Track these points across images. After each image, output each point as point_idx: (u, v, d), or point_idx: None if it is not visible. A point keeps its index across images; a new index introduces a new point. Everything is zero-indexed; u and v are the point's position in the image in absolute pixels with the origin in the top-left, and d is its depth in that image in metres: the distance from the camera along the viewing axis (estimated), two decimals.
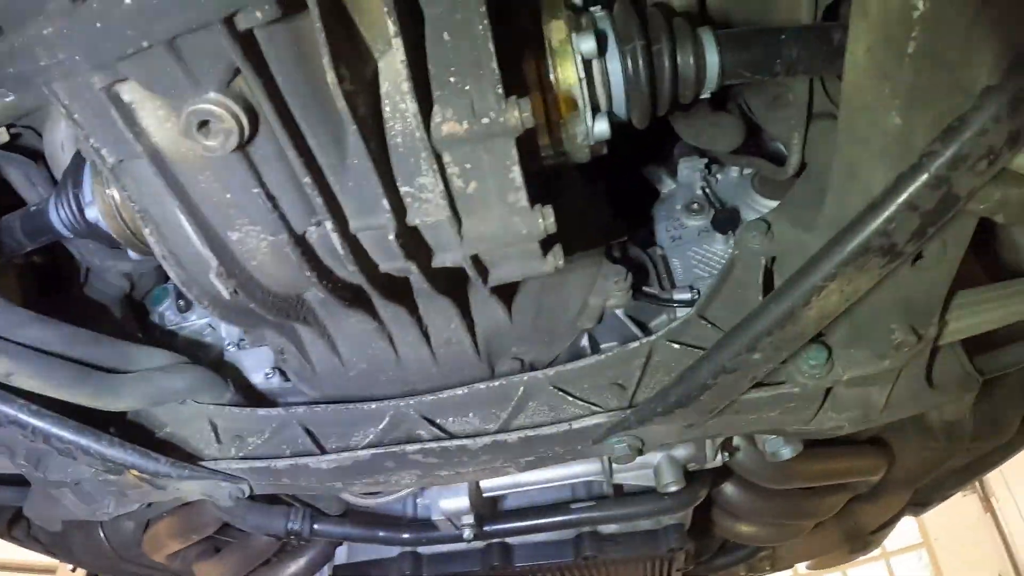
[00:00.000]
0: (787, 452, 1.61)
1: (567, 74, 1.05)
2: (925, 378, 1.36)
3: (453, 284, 1.23)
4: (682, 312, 1.44)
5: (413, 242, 1.04)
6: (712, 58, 1.13)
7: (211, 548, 2.36)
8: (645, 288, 1.56)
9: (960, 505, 10.37)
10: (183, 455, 1.40)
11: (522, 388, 1.31)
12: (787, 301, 1.03)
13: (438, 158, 0.95)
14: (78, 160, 1.29)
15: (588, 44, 1.03)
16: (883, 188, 0.90)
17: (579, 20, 1.08)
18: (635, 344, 1.32)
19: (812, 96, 1.33)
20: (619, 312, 1.52)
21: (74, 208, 1.26)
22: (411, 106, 0.90)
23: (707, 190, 1.71)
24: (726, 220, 1.62)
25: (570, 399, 1.30)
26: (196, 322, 1.71)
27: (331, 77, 0.85)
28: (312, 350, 1.38)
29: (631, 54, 1.08)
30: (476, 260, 1.08)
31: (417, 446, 1.25)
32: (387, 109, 0.94)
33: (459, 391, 1.31)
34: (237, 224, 1.05)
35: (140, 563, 2.33)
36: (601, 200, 1.60)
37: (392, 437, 1.31)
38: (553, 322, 1.46)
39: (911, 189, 0.87)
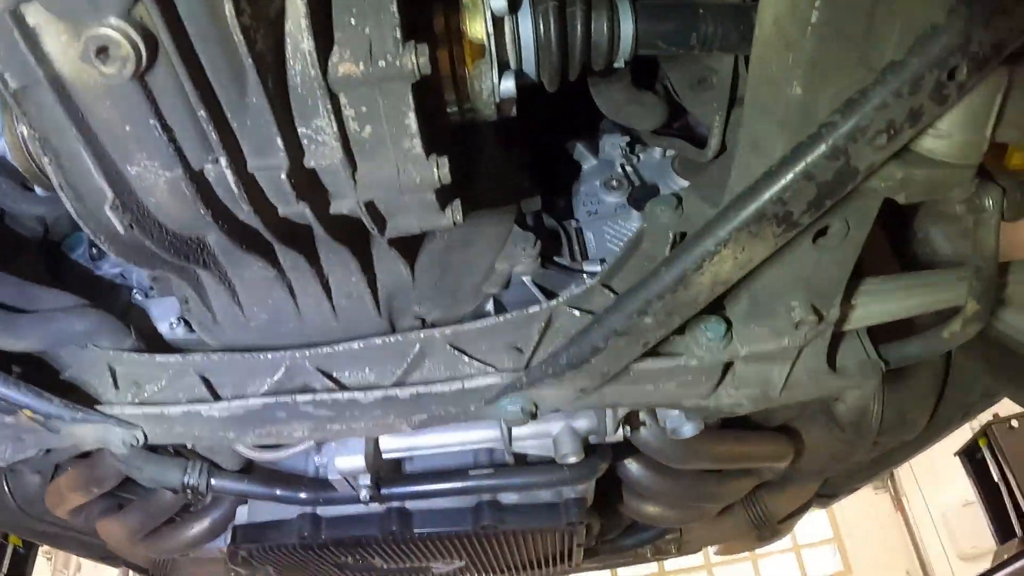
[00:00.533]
0: (688, 430, 1.65)
1: (476, 28, 1.06)
2: (827, 361, 1.38)
3: (355, 236, 1.23)
4: (560, 297, 1.43)
5: (309, 185, 1.05)
6: (627, 26, 1.15)
7: (114, 505, 2.33)
8: (556, 258, 1.58)
9: (872, 502, 10.75)
10: (83, 398, 1.38)
11: (418, 345, 1.31)
12: (680, 265, 1.06)
13: (334, 100, 0.95)
14: None
15: (499, 1, 1.03)
16: (782, 156, 0.92)
17: None
18: (535, 308, 1.33)
19: (736, 80, 1.35)
20: (526, 279, 1.53)
21: None
22: (309, 44, 0.90)
23: (627, 168, 1.73)
24: (643, 198, 1.64)
25: (466, 359, 1.32)
26: (108, 270, 1.68)
27: (229, 8, 0.84)
28: (214, 298, 1.37)
29: (543, 14, 1.09)
30: (372, 207, 1.08)
31: (309, 396, 1.25)
32: (289, 48, 0.94)
33: (355, 344, 1.31)
34: (136, 158, 1.04)
35: (45, 520, 2.29)
36: (517, 166, 1.61)
37: (286, 388, 1.30)
38: (458, 284, 1.47)
39: (808, 159, 0.89)
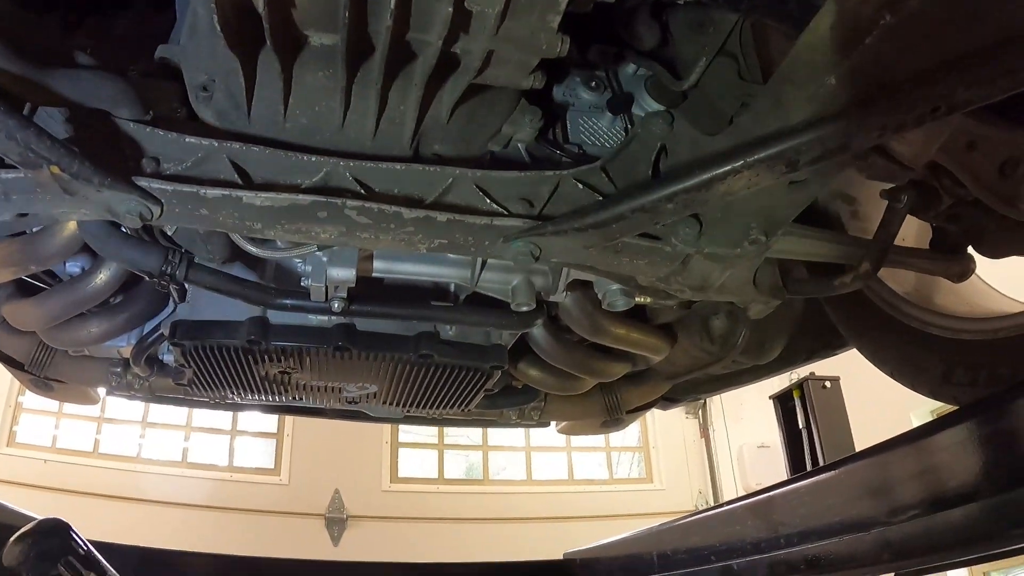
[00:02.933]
0: (621, 304, 1.91)
1: None
2: (751, 276, 1.77)
3: (432, 70, 1.35)
4: (562, 170, 1.65)
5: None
6: None
7: (21, 290, 2.33)
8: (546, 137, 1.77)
9: (681, 425, 11.92)
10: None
11: (451, 179, 1.48)
12: (711, 171, 1.33)
13: None
14: None
15: None
16: (804, 121, 1.23)
17: None
18: (549, 173, 1.57)
19: (730, 36, 1.64)
20: (521, 145, 1.71)
21: None
22: None
23: (608, 72, 1.90)
24: (620, 104, 1.85)
25: (488, 200, 1.49)
26: None
27: None
28: (261, 91, 1.44)
29: None
30: (489, 55, 1.23)
31: (358, 203, 1.38)
32: None
33: (396, 166, 1.45)
34: None
35: None
36: None
37: (327, 190, 1.42)
38: (473, 134, 1.64)
39: (827, 129, 1.20)
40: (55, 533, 2.09)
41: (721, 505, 2.97)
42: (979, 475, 1.72)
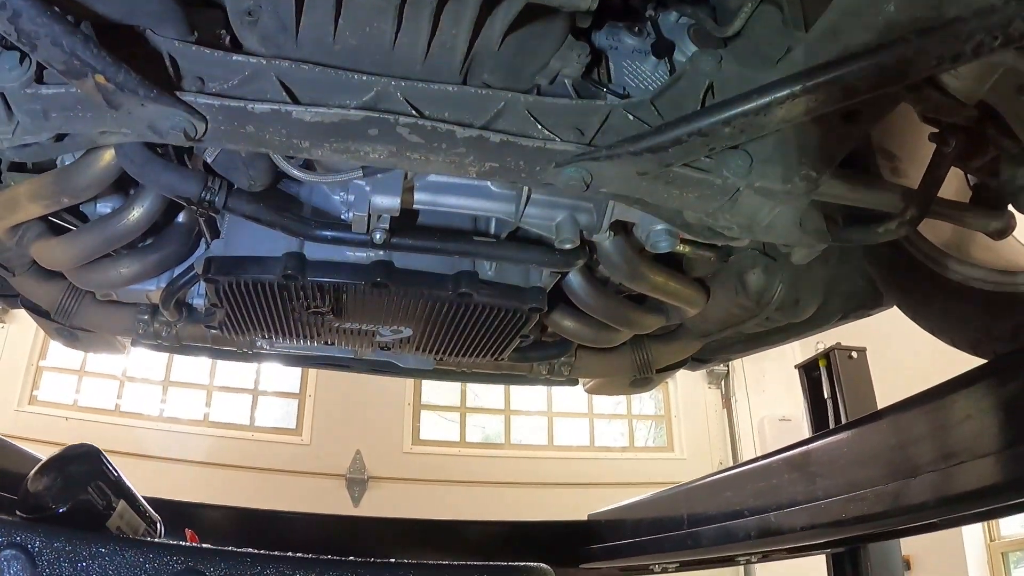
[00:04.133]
0: (665, 245, 1.89)
1: None
2: (798, 218, 1.73)
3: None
4: (612, 101, 1.64)
5: None
6: None
7: (51, 229, 2.32)
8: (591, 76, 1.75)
9: (704, 395, 11.94)
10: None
11: (503, 103, 1.47)
12: (772, 94, 1.32)
13: None
14: None
15: None
16: (862, 48, 1.25)
17: None
18: (600, 103, 1.56)
19: None
20: (567, 80, 1.69)
21: None
22: None
23: (652, 19, 1.86)
24: (663, 48, 1.82)
25: (539, 126, 1.47)
26: None
27: None
28: (310, 11, 1.42)
29: None
30: None
31: (410, 120, 1.36)
32: None
33: (449, 87, 1.45)
34: None
35: None
36: None
37: (379, 108, 1.39)
38: (522, 65, 1.62)
39: (886, 56, 1.22)
40: (84, 458, 2.08)
41: (751, 461, 2.96)
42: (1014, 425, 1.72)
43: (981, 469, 1.80)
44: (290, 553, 1.42)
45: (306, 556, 1.42)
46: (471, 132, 1.40)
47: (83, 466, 2.07)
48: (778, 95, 1.31)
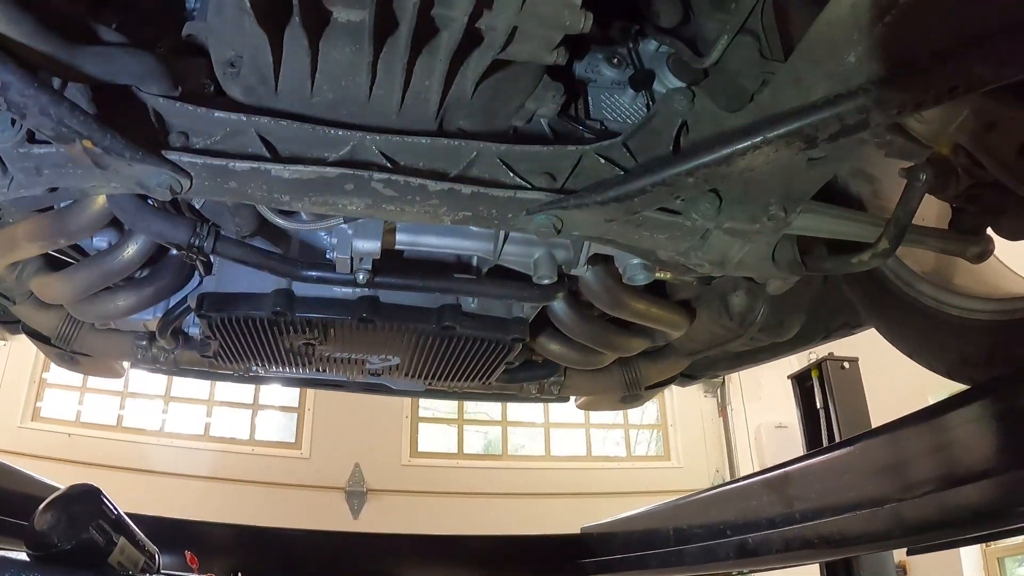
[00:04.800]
0: (641, 278, 1.93)
1: None
2: (770, 253, 1.78)
3: (457, 45, 1.38)
4: (583, 146, 1.66)
5: None
6: None
7: (49, 264, 2.38)
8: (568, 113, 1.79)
9: (700, 404, 11.97)
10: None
11: (475, 152, 1.51)
12: (731, 146, 1.37)
13: None
14: None
15: None
16: (823, 98, 1.27)
17: None
18: (571, 147, 1.59)
19: (751, 14, 1.65)
20: (543, 120, 1.74)
21: None
22: None
23: (631, 50, 1.91)
24: (642, 80, 1.87)
25: (511, 174, 1.52)
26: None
27: None
28: (288, 67, 1.47)
29: None
30: (514, 31, 1.26)
31: (384, 175, 1.41)
32: None
33: (422, 139, 1.49)
34: None
35: None
36: None
37: (354, 163, 1.45)
38: (496, 110, 1.66)
39: (845, 106, 1.24)
40: (86, 498, 2.15)
41: (738, 480, 3.01)
42: (991, 453, 1.75)
43: (952, 498, 1.83)
44: None
45: None
46: (443, 185, 1.45)
47: (85, 506, 2.15)
48: (739, 147, 1.35)
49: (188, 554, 3.08)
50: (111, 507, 2.20)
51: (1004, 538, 2.68)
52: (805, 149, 1.35)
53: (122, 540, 2.13)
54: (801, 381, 6.75)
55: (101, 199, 1.94)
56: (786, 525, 2.37)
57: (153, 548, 2.34)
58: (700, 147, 1.42)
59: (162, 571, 2.27)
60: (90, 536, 2.06)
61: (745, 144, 1.34)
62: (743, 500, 2.78)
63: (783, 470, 2.53)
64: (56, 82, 1.42)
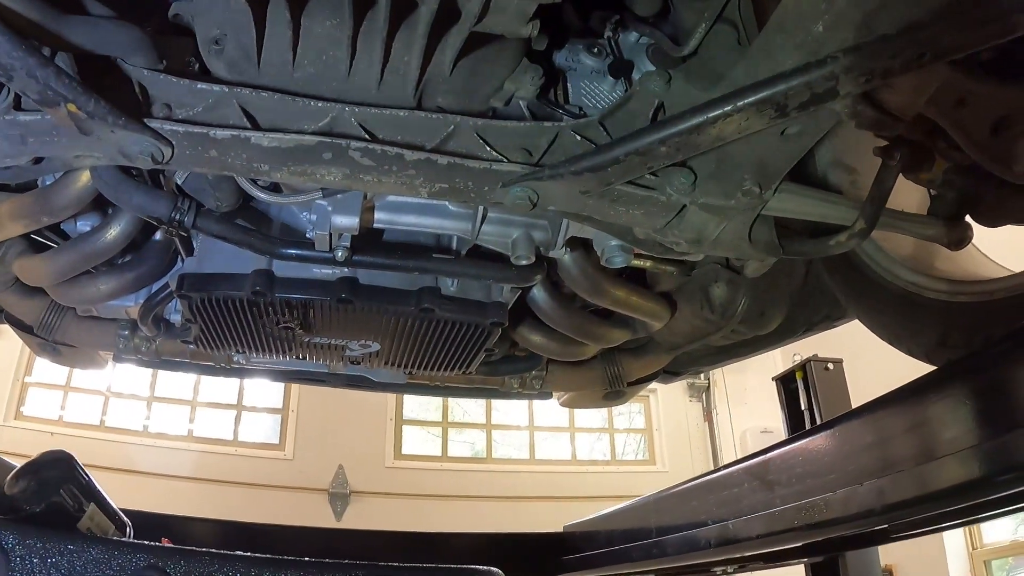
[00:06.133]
0: (619, 260, 1.95)
1: None
2: (747, 232, 1.80)
3: (434, 19, 1.41)
4: (562, 122, 1.70)
5: None
6: None
7: (32, 247, 2.39)
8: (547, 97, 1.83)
9: (685, 408, 12.03)
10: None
11: (452, 126, 1.54)
12: (701, 116, 1.40)
13: None
14: None
15: None
16: (793, 67, 1.31)
17: None
18: (548, 124, 1.63)
19: (727, 4, 1.68)
20: (522, 102, 1.77)
21: None
22: None
23: (611, 39, 1.94)
24: (621, 68, 1.90)
25: (487, 148, 1.55)
26: None
27: None
28: (270, 41, 1.49)
29: None
30: (487, 2, 1.32)
31: (361, 144, 1.44)
32: None
33: (400, 112, 1.52)
34: None
35: None
36: None
37: (334, 133, 1.47)
38: (476, 88, 1.69)
39: (814, 74, 1.28)
40: (58, 464, 2.16)
41: (718, 469, 3.03)
42: (968, 427, 1.77)
43: (926, 474, 1.86)
44: (246, 553, 1.49)
45: (261, 556, 1.50)
46: (420, 155, 1.48)
47: (56, 471, 2.15)
48: (711, 115, 1.38)
49: (165, 540, 3.08)
50: (82, 473, 2.21)
51: (985, 517, 2.69)
52: (776, 118, 1.38)
53: (92, 507, 2.14)
54: (786, 382, 6.80)
55: (85, 177, 1.96)
56: (766, 508, 2.39)
57: (124, 519, 2.34)
58: (674, 118, 1.45)
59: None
60: (60, 500, 2.06)
61: (716, 112, 1.37)
62: (724, 488, 2.80)
63: (762, 456, 2.55)
64: (46, 51, 1.45)
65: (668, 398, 11.79)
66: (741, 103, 1.35)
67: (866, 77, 1.27)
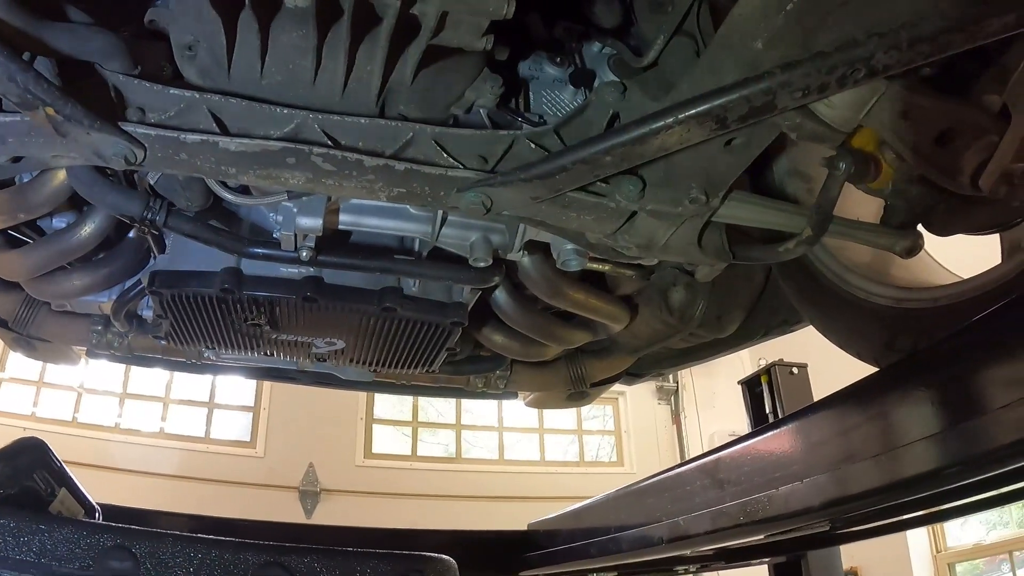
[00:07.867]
0: (574, 264, 2.04)
1: None
2: (696, 238, 1.89)
3: (397, 35, 1.49)
4: (518, 131, 1.77)
5: None
6: None
7: (9, 242, 2.45)
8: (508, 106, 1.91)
9: (654, 411, 12.15)
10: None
11: (411, 133, 1.62)
12: (644, 128, 1.49)
13: None
14: None
15: None
16: (733, 82, 1.40)
17: None
18: (504, 132, 1.71)
19: (687, 17, 1.77)
20: (483, 110, 1.85)
21: None
22: None
23: (575, 50, 2.03)
24: (583, 78, 1.98)
25: (444, 154, 1.63)
26: None
27: None
28: (241, 50, 1.57)
29: None
30: (443, 16, 1.37)
31: (323, 150, 1.52)
32: None
33: (361, 120, 1.60)
34: None
35: None
36: None
37: (298, 139, 1.55)
38: (436, 97, 1.77)
39: (752, 88, 1.37)
40: (31, 450, 2.22)
41: (674, 467, 3.11)
42: (918, 421, 1.83)
43: (863, 472, 1.93)
44: (207, 536, 1.57)
45: (223, 539, 1.57)
46: (378, 161, 1.56)
47: (30, 457, 2.22)
48: (653, 126, 1.47)
49: None
50: (55, 460, 2.27)
51: (943, 515, 2.77)
52: (717, 130, 1.46)
53: (63, 492, 2.20)
54: (751, 386, 6.91)
55: (60, 175, 2.03)
56: (715, 505, 2.47)
57: (94, 504, 2.41)
58: (620, 129, 1.54)
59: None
60: (32, 485, 2.12)
61: (658, 124, 1.46)
62: (678, 486, 2.87)
63: (715, 455, 2.63)
64: (25, 55, 1.52)
65: (637, 401, 11.90)
66: (682, 115, 1.43)
67: (802, 92, 1.36)
